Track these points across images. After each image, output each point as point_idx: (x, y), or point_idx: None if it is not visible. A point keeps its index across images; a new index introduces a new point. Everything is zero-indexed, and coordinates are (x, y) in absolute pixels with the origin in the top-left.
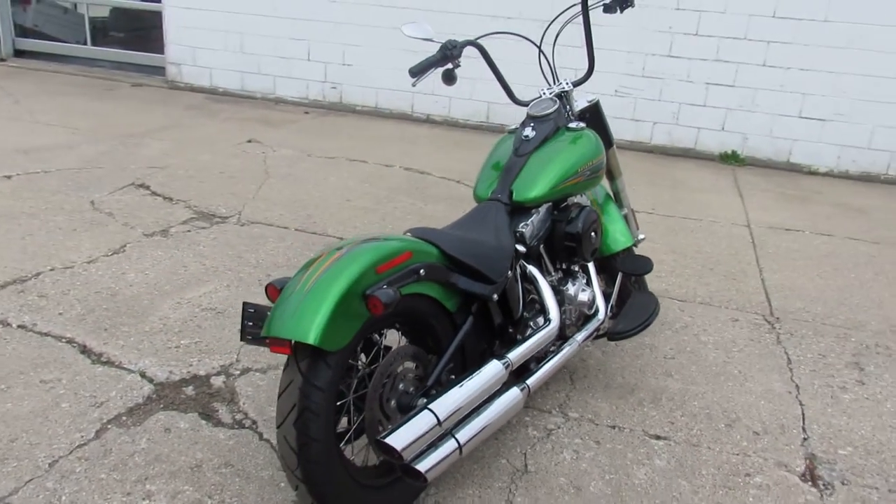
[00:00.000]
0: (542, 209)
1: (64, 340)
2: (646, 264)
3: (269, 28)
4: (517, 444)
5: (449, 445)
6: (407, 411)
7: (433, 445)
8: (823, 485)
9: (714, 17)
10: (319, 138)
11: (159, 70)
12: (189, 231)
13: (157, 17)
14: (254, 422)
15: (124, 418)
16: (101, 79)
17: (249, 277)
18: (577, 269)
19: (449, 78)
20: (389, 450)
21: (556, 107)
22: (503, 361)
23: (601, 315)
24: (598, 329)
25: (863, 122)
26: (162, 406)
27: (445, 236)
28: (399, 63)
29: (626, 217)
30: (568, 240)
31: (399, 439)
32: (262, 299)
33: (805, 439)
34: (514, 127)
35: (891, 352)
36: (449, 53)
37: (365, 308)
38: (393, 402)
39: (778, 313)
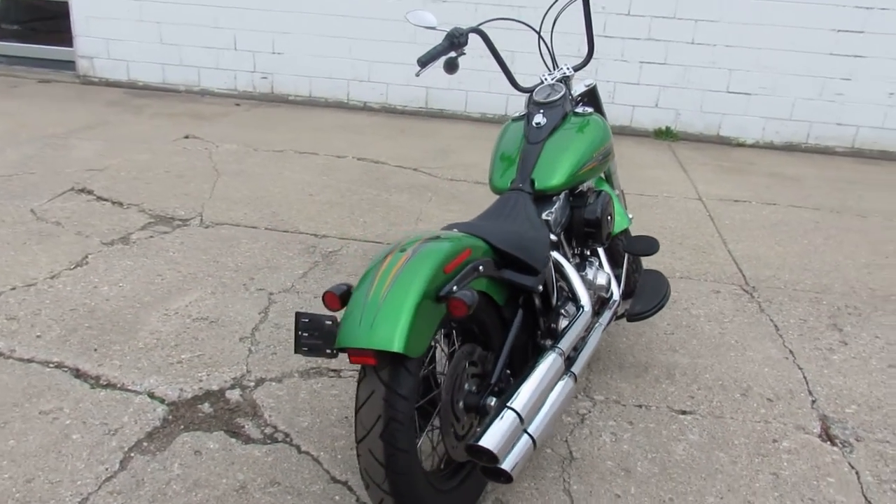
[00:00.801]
0: (562, 196)
1: (52, 365)
2: (652, 245)
3: (189, 16)
4: (556, 431)
5: (524, 440)
6: (475, 411)
7: (512, 443)
8: (841, 443)
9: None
10: (260, 131)
11: (68, 65)
12: (152, 237)
13: (60, 6)
14: (286, 434)
15: (146, 444)
16: (1, 75)
17: (233, 282)
18: (589, 253)
19: (451, 66)
20: (483, 452)
21: (563, 93)
22: (558, 352)
23: (616, 297)
24: (615, 311)
25: (784, 94)
26: (182, 427)
27: (491, 230)
28: (332, 51)
29: (618, 198)
30: (588, 225)
31: (492, 441)
32: (251, 305)
33: (814, 402)
34: (518, 114)
35: (860, 311)
36: (456, 41)
37: (440, 310)
38: (461, 403)
39: (753, 283)
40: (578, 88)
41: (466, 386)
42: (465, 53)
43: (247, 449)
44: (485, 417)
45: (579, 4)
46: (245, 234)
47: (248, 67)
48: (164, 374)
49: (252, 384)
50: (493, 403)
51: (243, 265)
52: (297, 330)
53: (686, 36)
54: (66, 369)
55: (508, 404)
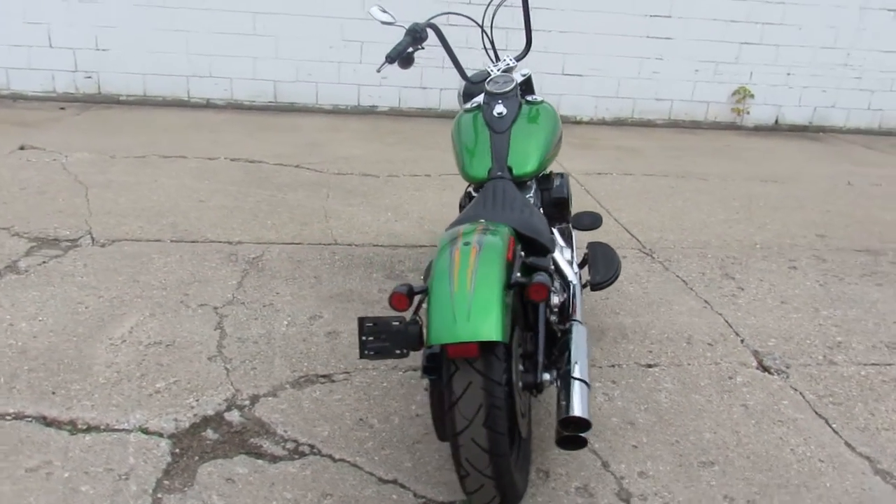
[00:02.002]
0: (534, 181)
1: (10, 417)
2: (596, 220)
3: None
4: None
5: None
6: (532, 388)
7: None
8: (777, 372)
9: None
10: (103, 136)
11: None
12: (45, 262)
13: None
14: (311, 446)
15: (169, 483)
16: None
17: (168, 301)
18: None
19: (409, 61)
20: (575, 422)
21: (516, 83)
22: (577, 320)
23: (576, 270)
24: (581, 283)
25: (611, 75)
26: (198, 458)
27: (510, 217)
28: (167, 45)
29: None
30: (556, 205)
31: (582, 410)
32: (201, 322)
33: (742, 340)
34: (471, 106)
35: (739, 260)
36: (418, 36)
37: (518, 297)
38: (520, 383)
39: (648, 246)
40: (516, 78)
41: (520, 366)
42: (423, 48)
43: (279, 467)
44: (540, 392)
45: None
46: (151, 249)
47: (69, 66)
48: (147, 406)
49: (247, 402)
50: (547, 379)
51: (169, 282)
52: (361, 335)
53: (564, 25)
54: (29, 419)
55: (574, 376)
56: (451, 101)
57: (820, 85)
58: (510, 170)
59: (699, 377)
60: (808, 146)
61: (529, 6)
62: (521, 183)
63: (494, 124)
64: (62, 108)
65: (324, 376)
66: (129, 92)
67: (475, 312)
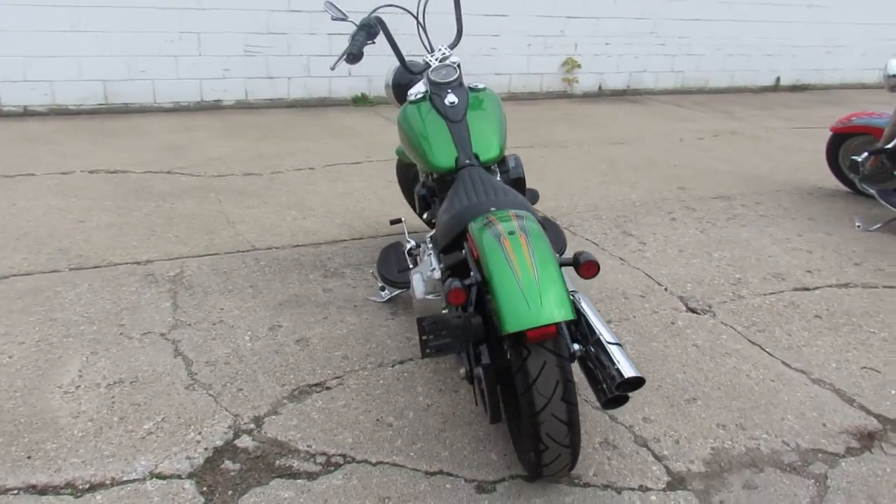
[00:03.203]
0: (495, 165)
1: None
2: (536, 196)
3: None
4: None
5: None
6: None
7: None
8: (703, 311)
9: None
10: None
11: None
12: None
13: None
14: (343, 455)
15: None
16: None
17: (105, 337)
18: None
19: (360, 56)
20: (631, 382)
21: (459, 71)
22: (575, 290)
23: None
24: None
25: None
26: (231, 492)
27: (507, 201)
28: None
29: None
30: (515, 184)
31: (631, 370)
32: (156, 352)
33: (665, 289)
34: (416, 97)
35: (628, 218)
36: (373, 31)
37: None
38: None
39: (549, 214)
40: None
41: None
42: (375, 43)
43: (322, 482)
44: (572, 362)
45: None
46: (51, 281)
47: None
48: (148, 450)
49: (253, 426)
50: (577, 349)
51: (93, 315)
52: (421, 335)
53: (368, 5)
54: (16, 492)
55: (608, 340)
56: (298, 89)
57: (633, 52)
58: (476, 157)
59: (649, 327)
60: (633, 108)
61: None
62: (487, 168)
63: (449, 113)
64: None
65: (317, 385)
66: None
67: (546, 297)
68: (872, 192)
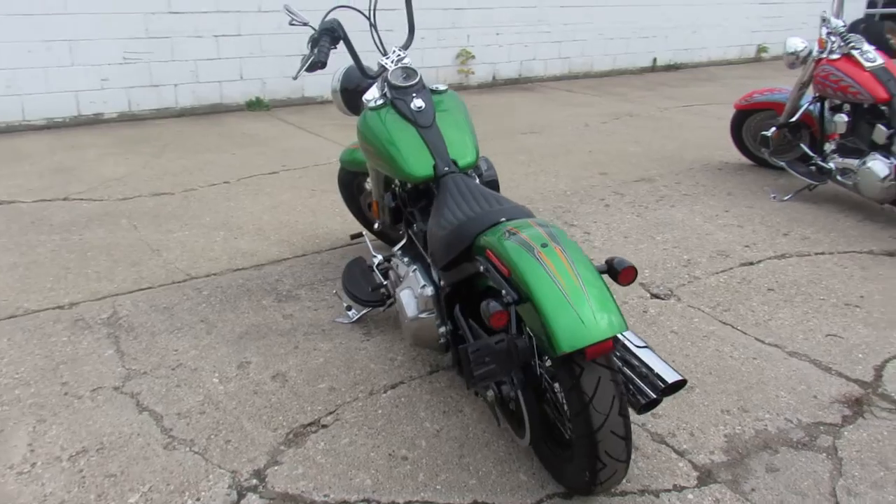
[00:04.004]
0: (471, 170)
1: None
2: None
3: None
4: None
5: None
6: None
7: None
8: (667, 296)
9: None
10: None
11: None
12: None
13: None
14: (367, 500)
15: None
16: None
17: (47, 399)
18: None
19: (324, 65)
20: (676, 384)
21: (420, 74)
22: None
23: None
24: None
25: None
26: None
27: (508, 210)
28: None
29: None
30: (492, 188)
31: (674, 374)
32: (118, 411)
33: None
34: (376, 103)
35: (566, 208)
36: (336, 35)
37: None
38: None
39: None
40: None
41: None
42: (337, 48)
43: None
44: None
45: None
46: None
47: None
48: None
49: (255, 481)
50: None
51: (25, 375)
52: (468, 364)
53: (254, 4)
54: None
55: (637, 345)
56: (186, 96)
57: (523, 41)
58: (455, 163)
59: (625, 317)
60: (528, 96)
61: None
62: (465, 174)
63: (418, 119)
64: None
65: (311, 424)
66: None
67: (599, 310)
68: (782, 164)
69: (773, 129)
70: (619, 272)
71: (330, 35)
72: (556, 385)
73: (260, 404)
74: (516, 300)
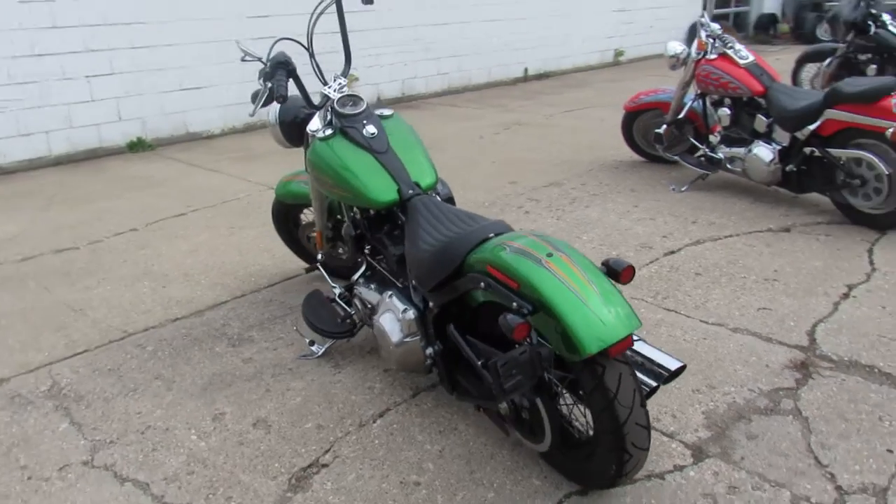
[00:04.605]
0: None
1: None
2: None
3: None
4: None
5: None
6: None
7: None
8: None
9: (70, 6)
10: None
11: None
12: None
13: None
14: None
15: None
16: None
17: (10, 487)
18: None
19: (287, 98)
20: (680, 370)
21: (366, 101)
22: None
23: None
24: None
25: (229, 83)
26: None
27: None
28: None
29: None
30: (450, 202)
31: (674, 361)
32: (91, 488)
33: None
34: (325, 133)
35: (536, 198)
36: (291, 68)
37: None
38: None
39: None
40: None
41: None
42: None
43: None
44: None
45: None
46: None
47: None
48: None
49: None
50: None
51: None
52: (498, 379)
53: (126, 41)
54: None
55: (637, 338)
56: (60, 143)
57: (402, 60)
58: (417, 185)
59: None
60: (415, 114)
61: (346, 22)
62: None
63: (373, 145)
64: None
65: (311, 466)
66: None
67: (615, 309)
68: (676, 157)
69: (664, 126)
70: (620, 272)
71: (285, 68)
72: (561, 388)
73: (250, 454)
74: (531, 311)
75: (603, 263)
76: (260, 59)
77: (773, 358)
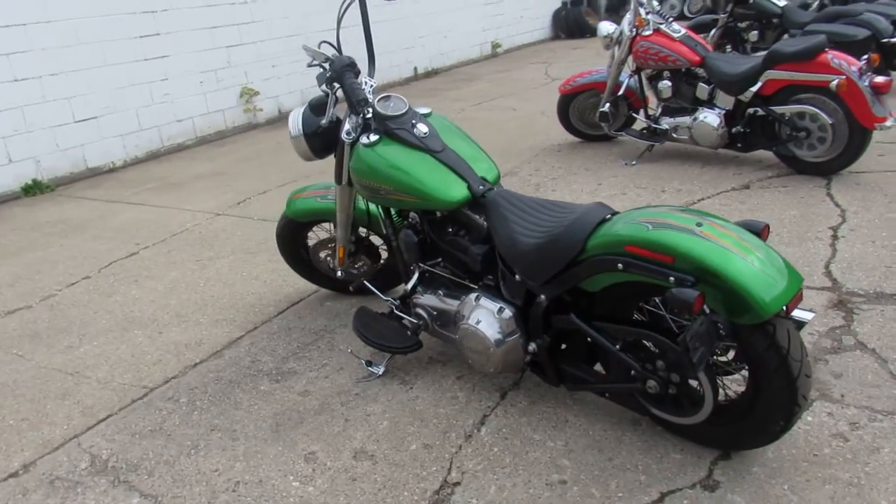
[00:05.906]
0: None
1: None
2: None
3: None
4: None
5: None
6: None
7: None
8: None
9: None
10: None
11: None
12: None
13: None
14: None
15: None
16: None
17: None
18: None
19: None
20: None
21: (407, 101)
22: None
23: None
24: None
25: (127, 108)
26: None
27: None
28: None
29: None
30: None
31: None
32: None
33: None
34: (371, 139)
35: None
36: (356, 69)
37: None
38: None
39: None
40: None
41: None
42: None
43: None
44: None
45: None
46: None
47: None
48: None
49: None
50: None
51: None
52: (686, 353)
53: (6, 73)
54: None
55: None
56: (22, 173)
57: (297, 70)
58: (485, 179)
59: None
60: None
61: (370, 23)
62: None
63: (428, 144)
64: None
65: (442, 488)
66: None
67: (781, 266)
68: (623, 133)
69: (608, 104)
70: (759, 232)
71: (351, 70)
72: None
73: (370, 489)
74: (693, 282)
75: (738, 224)
76: (321, 64)
77: (810, 302)
